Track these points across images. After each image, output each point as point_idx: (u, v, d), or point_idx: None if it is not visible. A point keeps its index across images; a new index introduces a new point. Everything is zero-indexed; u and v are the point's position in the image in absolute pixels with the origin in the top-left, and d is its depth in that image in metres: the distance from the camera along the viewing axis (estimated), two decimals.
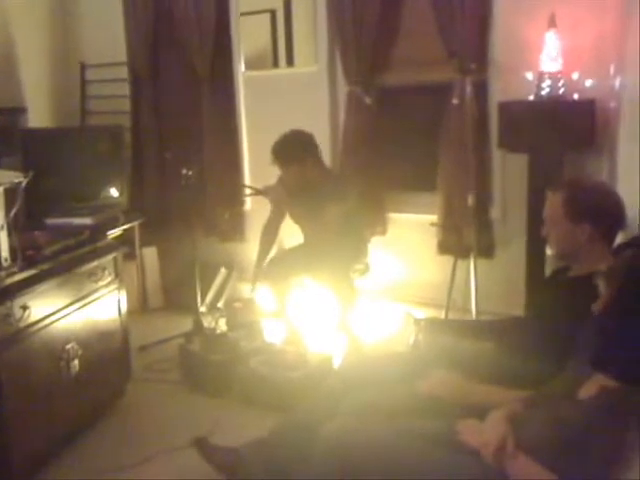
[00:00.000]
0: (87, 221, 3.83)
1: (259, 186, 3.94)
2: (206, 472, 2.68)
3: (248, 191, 4.43)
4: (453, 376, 2.16)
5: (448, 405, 2.07)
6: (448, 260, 3.88)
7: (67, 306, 2.94)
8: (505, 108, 3.54)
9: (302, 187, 3.66)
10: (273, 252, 4.07)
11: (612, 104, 3.46)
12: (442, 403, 2.08)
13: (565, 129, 3.35)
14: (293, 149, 3.63)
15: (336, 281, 3.67)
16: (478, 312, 3.72)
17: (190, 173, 3.91)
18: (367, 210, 4.15)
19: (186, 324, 4.09)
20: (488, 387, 2.09)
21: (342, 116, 4.38)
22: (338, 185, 3.73)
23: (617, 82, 3.40)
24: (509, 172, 3.93)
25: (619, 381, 1.70)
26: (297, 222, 3.88)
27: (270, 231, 3.98)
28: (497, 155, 3.93)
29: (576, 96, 3.48)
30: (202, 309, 4.29)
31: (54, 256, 2.93)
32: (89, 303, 3.09)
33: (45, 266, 2.83)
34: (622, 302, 1.75)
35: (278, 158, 3.65)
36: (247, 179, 4.81)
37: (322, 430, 2.07)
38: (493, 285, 3.87)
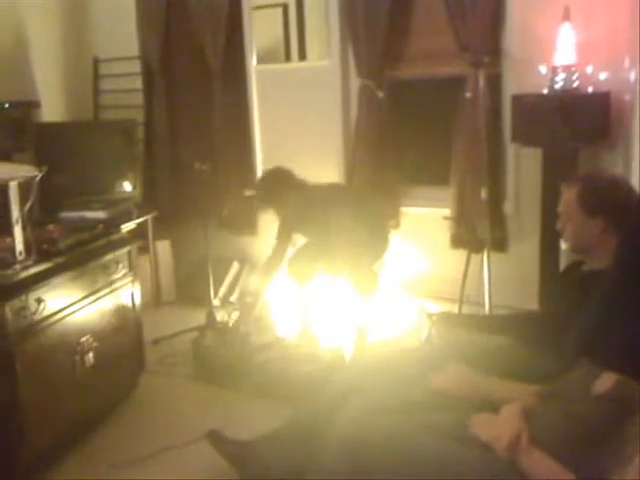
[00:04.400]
0: (101, 215, 3.86)
1: None
2: (219, 465, 2.70)
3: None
4: (466, 370, 2.16)
5: (461, 399, 2.06)
6: (461, 254, 3.87)
7: (81, 299, 2.95)
8: (519, 101, 3.52)
9: (298, 214, 3.75)
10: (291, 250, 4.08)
11: (627, 97, 3.44)
12: (455, 397, 2.08)
13: (579, 122, 3.33)
14: (272, 189, 3.77)
15: (356, 271, 3.67)
16: (491, 306, 3.71)
17: (203, 167, 3.92)
18: (381, 203, 4.15)
19: (199, 318, 4.11)
20: (501, 381, 2.09)
21: (354, 110, 4.37)
22: (329, 195, 3.79)
23: (632, 75, 3.38)
24: (523, 166, 3.92)
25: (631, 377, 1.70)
26: (305, 235, 3.95)
27: (280, 253, 3.96)
28: (511, 149, 3.92)
29: (590, 89, 3.46)
30: (215, 303, 4.30)
31: (68, 250, 2.95)
32: (103, 296, 3.11)
33: (59, 260, 2.85)
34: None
35: (264, 202, 3.84)
36: (259, 173, 4.82)
37: (334, 424, 2.07)
38: (506, 279, 3.85)
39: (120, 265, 3.24)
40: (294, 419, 2.57)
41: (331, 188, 3.86)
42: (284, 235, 3.92)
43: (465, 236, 4.00)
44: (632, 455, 1.53)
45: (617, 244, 1.92)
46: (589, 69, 3.47)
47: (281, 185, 3.73)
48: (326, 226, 3.62)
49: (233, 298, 4.65)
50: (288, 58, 4.63)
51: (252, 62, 4.70)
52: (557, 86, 3.44)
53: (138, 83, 5.00)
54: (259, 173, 4.79)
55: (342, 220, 3.56)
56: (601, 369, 1.78)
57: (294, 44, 4.58)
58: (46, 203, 3.73)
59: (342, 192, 3.85)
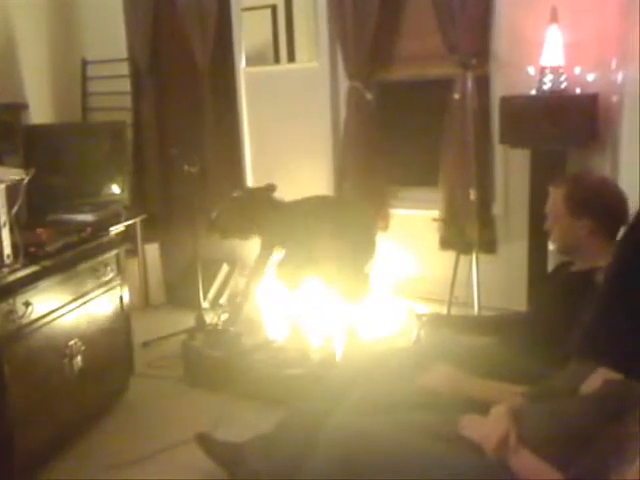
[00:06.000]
0: (89, 217, 3.84)
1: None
2: (208, 468, 2.69)
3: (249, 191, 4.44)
4: (454, 371, 2.16)
5: (449, 400, 2.07)
6: (450, 255, 3.88)
7: (70, 302, 2.94)
8: (507, 103, 3.53)
9: (278, 232, 3.72)
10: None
11: (614, 98, 3.45)
12: (443, 398, 2.08)
13: (567, 124, 3.34)
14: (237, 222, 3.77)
15: (342, 278, 3.66)
16: (480, 307, 3.72)
17: (192, 169, 3.91)
18: (370, 206, 4.15)
19: (188, 320, 4.09)
20: (489, 382, 2.09)
21: (343, 112, 4.38)
22: (307, 210, 3.74)
23: (619, 76, 3.39)
24: (511, 167, 3.92)
25: (623, 373, 1.70)
26: (287, 250, 3.93)
27: (261, 269, 3.94)
28: (499, 150, 3.93)
29: (578, 91, 3.48)
30: (204, 305, 4.29)
31: (56, 253, 2.93)
32: (92, 299, 3.09)
33: (47, 263, 2.83)
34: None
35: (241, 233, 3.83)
36: (249, 175, 4.81)
37: (323, 426, 2.07)
38: (495, 280, 3.87)
39: (109, 268, 3.22)
40: (285, 422, 2.57)
41: (308, 202, 3.81)
42: (267, 246, 3.91)
43: (454, 237, 4.01)
44: (632, 455, 1.53)
45: (618, 242, 1.93)
46: (577, 70, 3.48)
47: (255, 210, 3.71)
48: (307, 241, 3.61)
49: (223, 300, 4.64)
50: (277, 60, 4.63)
51: (241, 64, 4.70)
52: (545, 87, 3.45)
53: (126, 85, 4.99)
54: (248, 176, 4.80)
55: (321, 237, 3.55)
56: (590, 368, 1.79)
57: (283, 46, 4.57)
58: (34, 206, 3.72)
59: (320, 205, 3.81)
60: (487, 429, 1.80)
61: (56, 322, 2.85)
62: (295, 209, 3.72)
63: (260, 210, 3.71)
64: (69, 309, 2.93)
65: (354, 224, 3.71)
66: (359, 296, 3.73)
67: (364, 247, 3.80)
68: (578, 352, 1.84)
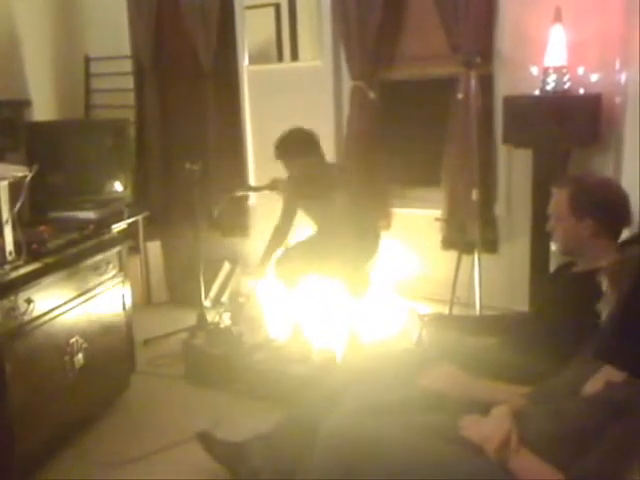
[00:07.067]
0: (91, 215, 3.84)
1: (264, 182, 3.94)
2: (209, 466, 2.70)
3: (252, 189, 4.44)
4: (456, 371, 2.16)
5: (451, 400, 2.06)
6: (452, 255, 3.88)
7: (71, 300, 2.94)
8: (510, 103, 3.53)
9: (308, 181, 3.67)
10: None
11: (618, 99, 3.45)
12: (445, 398, 2.08)
13: (570, 124, 3.34)
14: (296, 145, 3.64)
15: (348, 271, 3.66)
16: (482, 307, 3.72)
17: (194, 167, 3.91)
18: (372, 204, 4.15)
19: (190, 318, 4.10)
20: (491, 383, 2.09)
21: (346, 111, 4.37)
22: (342, 174, 3.80)
23: (623, 77, 3.39)
24: (514, 167, 3.92)
25: (627, 372, 1.70)
26: (309, 214, 3.89)
27: (281, 232, 3.91)
28: (502, 150, 3.93)
29: (581, 91, 3.47)
30: (206, 304, 4.29)
31: (58, 250, 2.93)
32: (93, 297, 3.09)
33: (49, 260, 2.83)
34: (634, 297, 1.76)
35: (282, 153, 3.66)
36: (251, 173, 4.82)
37: (323, 426, 2.06)
38: (497, 281, 3.86)
39: (110, 265, 3.22)
40: (283, 426, 2.56)
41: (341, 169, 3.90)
42: (287, 212, 3.88)
43: (456, 237, 4.01)
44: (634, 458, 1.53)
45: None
46: (580, 71, 3.48)
47: (307, 145, 3.66)
48: (328, 203, 3.60)
49: (224, 299, 4.64)
50: (280, 58, 4.62)
51: (244, 62, 4.70)
52: (548, 87, 3.44)
53: (129, 82, 4.99)
54: (250, 174, 4.80)
55: (344, 203, 3.55)
56: (594, 368, 1.79)
57: (286, 44, 4.57)
58: (37, 203, 3.71)
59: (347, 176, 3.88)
60: (488, 430, 1.80)
61: (58, 319, 2.85)
62: (328, 168, 3.72)
63: (308, 146, 3.66)
64: (71, 306, 2.93)
65: (362, 219, 3.72)
66: (361, 293, 3.73)
67: (370, 244, 3.80)
68: (598, 357, 1.84)
